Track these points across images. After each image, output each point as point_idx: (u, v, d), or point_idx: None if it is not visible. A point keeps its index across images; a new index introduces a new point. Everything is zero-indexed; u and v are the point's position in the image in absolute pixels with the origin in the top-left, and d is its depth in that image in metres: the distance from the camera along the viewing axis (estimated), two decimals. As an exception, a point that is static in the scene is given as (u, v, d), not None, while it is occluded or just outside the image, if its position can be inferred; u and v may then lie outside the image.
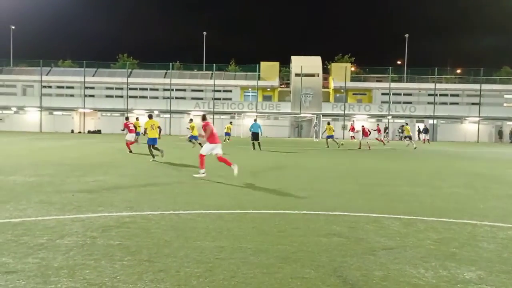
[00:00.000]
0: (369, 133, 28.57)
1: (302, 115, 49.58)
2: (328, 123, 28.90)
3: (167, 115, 49.70)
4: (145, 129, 15.78)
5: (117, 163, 14.10)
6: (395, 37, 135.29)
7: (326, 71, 55.68)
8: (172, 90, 50.68)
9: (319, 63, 51.13)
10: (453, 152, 26.44)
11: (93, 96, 51.73)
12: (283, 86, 55.60)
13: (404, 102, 51.52)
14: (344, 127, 49.03)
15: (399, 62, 61.08)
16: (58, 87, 53.14)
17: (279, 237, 5.46)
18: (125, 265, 4.25)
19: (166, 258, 4.49)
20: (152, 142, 15.59)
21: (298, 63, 49.72)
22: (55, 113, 50.56)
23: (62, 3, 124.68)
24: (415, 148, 29.14)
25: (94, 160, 15.17)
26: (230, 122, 36.76)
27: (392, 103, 50.29)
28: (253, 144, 23.46)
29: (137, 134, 27.20)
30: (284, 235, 5.54)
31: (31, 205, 7.04)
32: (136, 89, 52.23)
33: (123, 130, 21.60)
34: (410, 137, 31.02)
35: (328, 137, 28.07)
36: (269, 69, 52.43)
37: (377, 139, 35.22)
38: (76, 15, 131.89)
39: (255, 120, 25.35)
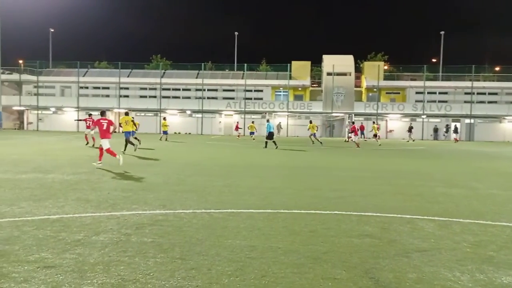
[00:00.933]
0: (358, 131, 28.94)
1: (334, 114, 49.12)
2: (310, 122, 30.32)
3: (199, 115, 50.27)
4: (120, 124, 18.16)
5: (150, 162, 14.37)
6: (430, 34, 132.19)
7: (358, 70, 54.91)
8: (204, 90, 51.21)
9: (351, 62, 50.51)
10: (491, 152, 25.57)
11: (127, 96, 52.88)
12: (314, 85, 55.19)
13: (439, 101, 50.23)
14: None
15: (434, 60, 59.57)
16: (95, 87, 54.61)
17: (310, 237, 5.44)
18: (158, 262, 4.33)
19: (198, 256, 4.55)
20: (128, 135, 17.88)
21: (330, 62, 49.26)
22: (92, 113, 51.96)
23: (98, 6, 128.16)
24: (379, 145, 31.06)
25: (129, 159, 15.51)
26: (252, 122, 38.27)
27: (427, 102, 49.12)
28: (267, 142, 24.81)
29: (165, 133, 29.22)
30: (315, 235, 5.51)
31: (68, 202, 7.27)
32: (169, 89, 53.05)
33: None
34: (375, 135, 33.56)
35: (312, 135, 29.45)
36: (301, 68, 52.19)
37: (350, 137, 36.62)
38: (111, 17, 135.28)
39: (267, 121, 26.57)
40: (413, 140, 40.87)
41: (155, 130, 49.45)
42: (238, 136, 40.48)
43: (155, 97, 51.77)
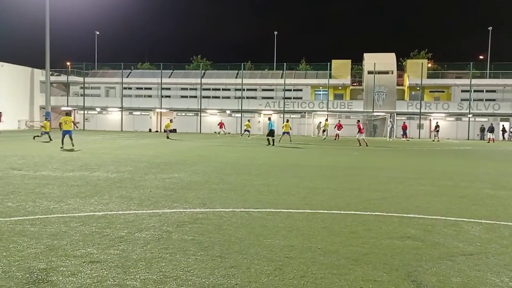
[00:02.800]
0: (363, 129, 29.13)
1: (375, 113, 48.18)
2: (287, 121, 31.10)
3: (239, 115, 50.58)
4: (60, 123, 20.22)
5: (190, 162, 14.61)
6: (477, 30, 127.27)
7: (400, 68, 53.56)
8: (244, 90, 51.50)
9: (393, 60, 49.35)
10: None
11: (169, 96, 53.97)
12: (355, 84, 54.33)
13: (486, 100, 48.27)
14: (420, 126, 46.97)
15: (481, 57, 57.31)
16: (137, 88, 56.10)
17: (350, 238, 5.36)
18: (198, 259, 4.40)
19: (237, 254, 4.59)
20: (65, 133, 19.58)
21: (371, 60, 48.33)
22: (135, 113, 53.43)
23: (141, 9, 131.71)
24: (323, 139, 34.52)
25: (170, 158, 15.84)
26: (248, 120, 39.97)
27: (473, 100, 47.32)
28: (268, 139, 25.71)
29: (171, 131, 31.52)
30: (355, 236, 5.43)
31: (112, 199, 7.51)
32: (209, 89, 53.73)
33: None
34: (324, 131, 36.59)
35: (284, 133, 29.77)
36: (341, 67, 51.49)
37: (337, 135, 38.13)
38: (153, 19, 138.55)
39: (269, 119, 27.30)
40: (438, 140, 39.56)
41: (195, 130, 50.25)
42: (219, 133, 41.75)
43: (195, 97, 52.55)
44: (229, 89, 53.78)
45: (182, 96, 54.58)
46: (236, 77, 53.13)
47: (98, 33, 62.05)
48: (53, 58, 53.08)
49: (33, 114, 52.59)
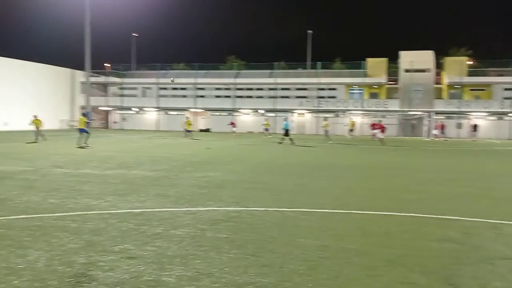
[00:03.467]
0: (376, 129, 29.62)
1: (411, 113, 47.06)
2: (325, 119, 32.25)
3: (272, 114, 50.56)
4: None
5: (224, 160, 14.73)
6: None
7: (439, 66, 52.06)
8: (277, 89, 51.43)
9: (430, 58, 48.03)
10: None
11: (203, 96, 54.59)
12: (391, 82, 53.23)
13: (531, 98, 46.29)
14: (458, 126, 45.57)
15: (525, 53, 54.95)
16: (173, 88, 57.02)
17: (385, 239, 5.28)
18: (232, 257, 4.44)
19: (270, 253, 4.60)
20: (81, 131, 21.21)
21: (408, 58, 47.24)
22: (170, 112, 54.34)
23: (177, 12, 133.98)
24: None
25: (204, 157, 16.03)
26: (266, 119, 40.80)
27: (516, 99, 45.45)
28: (283, 139, 26.20)
29: (188, 131, 31.01)
30: (391, 238, 5.34)
31: (149, 197, 7.68)
32: (242, 89, 53.98)
33: None
34: (351, 130, 37.07)
35: (326, 131, 31.25)
36: (376, 65, 50.55)
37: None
38: (189, 22, 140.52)
39: (285, 119, 28.34)
40: (475, 140, 38.23)
41: (230, 129, 50.60)
42: (234, 133, 41.45)
43: (229, 96, 52.93)
44: (262, 89, 53.85)
45: (216, 96, 55.08)
46: (269, 77, 53.14)
47: (136, 35, 63.47)
48: (92, 59, 54.63)
49: (73, 113, 54.38)
